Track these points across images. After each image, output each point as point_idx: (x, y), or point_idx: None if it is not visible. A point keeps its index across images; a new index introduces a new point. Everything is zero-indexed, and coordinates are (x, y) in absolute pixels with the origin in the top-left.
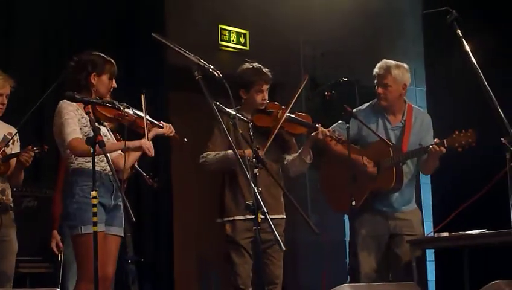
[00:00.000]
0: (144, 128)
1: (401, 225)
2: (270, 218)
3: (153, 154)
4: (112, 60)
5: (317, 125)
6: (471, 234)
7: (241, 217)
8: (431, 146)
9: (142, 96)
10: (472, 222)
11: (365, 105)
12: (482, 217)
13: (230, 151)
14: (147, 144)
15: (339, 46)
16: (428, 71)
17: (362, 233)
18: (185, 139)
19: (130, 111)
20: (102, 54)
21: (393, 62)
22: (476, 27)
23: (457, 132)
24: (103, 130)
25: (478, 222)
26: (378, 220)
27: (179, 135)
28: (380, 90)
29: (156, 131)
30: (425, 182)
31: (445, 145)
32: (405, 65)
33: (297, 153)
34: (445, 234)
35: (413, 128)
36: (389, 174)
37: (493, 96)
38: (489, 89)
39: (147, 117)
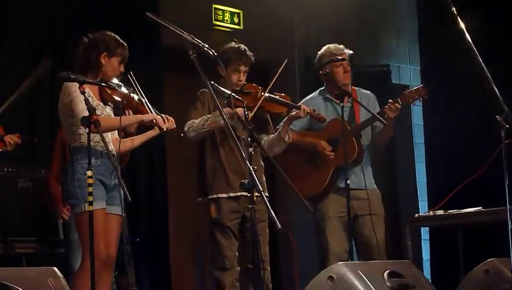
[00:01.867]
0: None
1: (363, 205)
2: (256, 196)
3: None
4: (125, 44)
5: (299, 104)
6: (466, 212)
7: (225, 195)
8: (386, 106)
9: (130, 77)
10: (467, 200)
11: (312, 95)
12: (476, 195)
13: (217, 112)
14: (158, 117)
15: (332, 25)
16: (422, 50)
17: (328, 214)
18: (182, 135)
19: (135, 95)
20: (116, 36)
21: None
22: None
23: (409, 90)
24: (109, 110)
25: (473, 200)
26: (342, 201)
27: (176, 130)
28: (346, 67)
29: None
30: (420, 161)
31: (400, 103)
32: None
33: (276, 133)
34: (440, 212)
35: (361, 107)
36: (350, 147)
37: (488, 74)
38: (484, 67)
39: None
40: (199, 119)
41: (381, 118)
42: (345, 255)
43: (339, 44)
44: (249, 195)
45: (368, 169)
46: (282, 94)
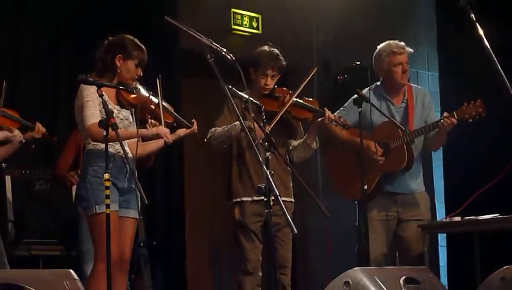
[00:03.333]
0: (166, 120)
1: (409, 210)
2: (274, 201)
3: (171, 140)
4: (144, 48)
5: (324, 109)
6: (483, 219)
7: (249, 199)
8: (442, 120)
9: (158, 80)
10: (484, 207)
11: (365, 90)
12: (493, 202)
13: (237, 122)
14: (163, 130)
15: (351, 31)
16: (440, 56)
17: (372, 216)
18: (205, 140)
19: (154, 99)
20: (135, 39)
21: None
22: (490, 11)
23: (466, 104)
24: (125, 113)
25: (490, 207)
26: (387, 204)
27: (198, 135)
28: (405, 67)
29: (178, 133)
30: (438, 166)
31: (456, 117)
32: None
33: (303, 139)
34: (457, 218)
35: (416, 107)
36: (400, 155)
37: (506, 81)
38: (503, 74)
39: (175, 113)
40: (220, 129)
41: (435, 129)
42: (382, 260)
43: (395, 42)
44: (265, 199)
45: (417, 174)
46: (311, 99)
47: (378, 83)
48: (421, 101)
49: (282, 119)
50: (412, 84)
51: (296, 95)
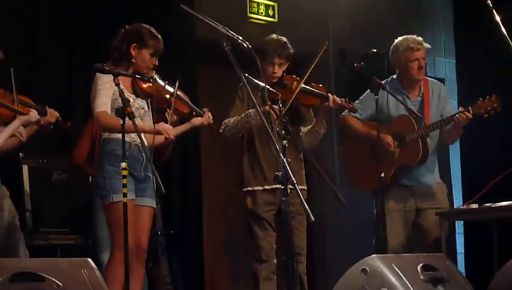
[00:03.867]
0: (181, 110)
1: (427, 199)
2: (291, 189)
3: (172, 136)
4: (160, 37)
5: (328, 94)
6: (501, 206)
7: (260, 188)
8: (457, 115)
9: (177, 82)
10: (502, 193)
11: (382, 82)
12: (511, 189)
13: (251, 110)
14: (164, 126)
15: (367, 19)
16: (457, 43)
17: (389, 207)
18: (220, 130)
19: (170, 89)
20: (151, 29)
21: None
22: None
23: (481, 99)
24: (140, 102)
25: (507, 194)
26: (404, 196)
27: (214, 125)
28: (421, 63)
29: (193, 122)
30: (455, 154)
31: (471, 112)
32: None
33: (311, 125)
34: (475, 205)
35: (432, 101)
36: (415, 148)
37: None
38: None
39: (190, 103)
40: (233, 119)
41: (451, 123)
42: (401, 250)
43: (392, 37)
44: (282, 187)
45: (433, 165)
46: (319, 85)
47: (394, 76)
48: (437, 94)
49: (291, 106)
50: (428, 78)
51: (304, 80)
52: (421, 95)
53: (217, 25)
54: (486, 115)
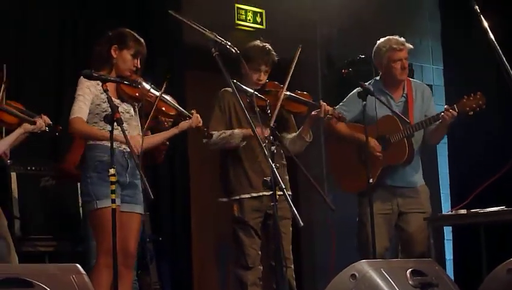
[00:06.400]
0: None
1: (410, 203)
2: (278, 195)
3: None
4: (141, 40)
5: (320, 102)
6: (489, 211)
7: (247, 195)
8: (442, 113)
9: (165, 84)
10: (490, 199)
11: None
12: (499, 194)
13: (236, 130)
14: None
15: (355, 25)
16: (445, 49)
17: (373, 211)
18: (211, 133)
19: (156, 93)
20: (133, 32)
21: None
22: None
23: (466, 96)
24: (126, 106)
25: (496, 199)
26: (387, 198)
27: (203, 127)
28: (404, 64)
29: (182, 126)
30: (443, 159)
31: (456, 110)
32: None
33: (297, 132)
34: (463, 211)
35: (416, 101)
36: (400, 148)
37: None
38: (508, 66)
39: (177, 106)
40: (215, 135)
41: (436, 123)
42: (384, 253)
43: (395, 37)
44: (270, 193)
45: (417, 167)
46: (304, 93)
47: (377, 78)
48: (420, 95)
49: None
50: (411, 79)
51: (286, 87)
52: (404, 95)
53: (205, 30)
54: (472, 112)
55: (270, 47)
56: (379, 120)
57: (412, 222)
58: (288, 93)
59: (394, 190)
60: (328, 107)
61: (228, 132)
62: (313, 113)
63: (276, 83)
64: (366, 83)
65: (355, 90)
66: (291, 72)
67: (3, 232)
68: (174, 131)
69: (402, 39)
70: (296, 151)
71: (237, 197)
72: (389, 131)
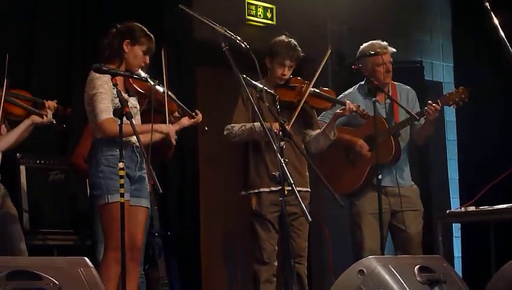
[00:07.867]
0: (169, 108)
1: (402, 201)
2: (298, 190)
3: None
4: (152, 36)
5: (345, 100)
6: (498, 209)
7: (267, 189)
8: (426, 108)
9: (163, 52)
10: (498, 196)
11: (351, 89)
12: (508, 191)
13: (257, 124)
14: (172, 130)
15: (365, 21)
16: (455, 46)
17: (364, 211)
18: (206, 128)
19: (160, 88)
20: (143, 27)
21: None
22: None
23: (449, 91)
24: (133, 101)
25: (504, 197)
26: (378, 197)
27: (202, 123)
28: (388, 67)
29: (182, 123)
30: (452, 158)
31: (440, 104)
32: None
33: (321, 129)
34: (472, 208)
35: (401, 103)
36: (387, 146)
37: None
38: None
39: (179, 102)
40: (237, 127)
41: (420, 118)
42: (379, 252)
43: (382, 41)
44: (279, 188)
45: (405, 166)
46: (327, 89)
47: (362, 83)
48: (405, 97)
49: (300, 109)
50: (395, 82)
51: (312, 83)
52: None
53: (215, 25)
54: (455, 106)
55: (295, 42)
56: (367, 121)
57: (404, 220)
58: (313, 89)
59: (384, 189)
60: (352, 104)
61: (248, 125)
62: (338, 111)
63: (299, 78)
64: (351, 88)
65: (351, 89)
66: (319, 70)
67: (15, 225)
68: (175, 127)
69: (385, 43)
70: (320, 148)
71: (256, 191)
72: (376, 131)
